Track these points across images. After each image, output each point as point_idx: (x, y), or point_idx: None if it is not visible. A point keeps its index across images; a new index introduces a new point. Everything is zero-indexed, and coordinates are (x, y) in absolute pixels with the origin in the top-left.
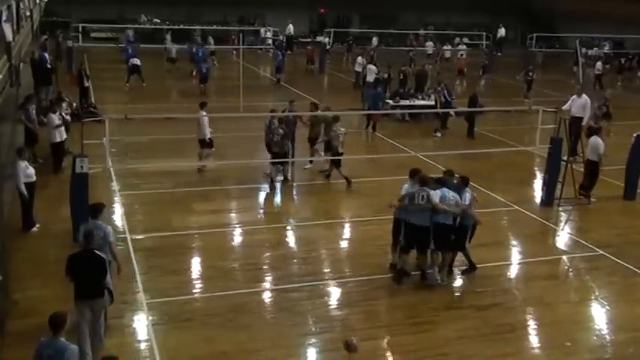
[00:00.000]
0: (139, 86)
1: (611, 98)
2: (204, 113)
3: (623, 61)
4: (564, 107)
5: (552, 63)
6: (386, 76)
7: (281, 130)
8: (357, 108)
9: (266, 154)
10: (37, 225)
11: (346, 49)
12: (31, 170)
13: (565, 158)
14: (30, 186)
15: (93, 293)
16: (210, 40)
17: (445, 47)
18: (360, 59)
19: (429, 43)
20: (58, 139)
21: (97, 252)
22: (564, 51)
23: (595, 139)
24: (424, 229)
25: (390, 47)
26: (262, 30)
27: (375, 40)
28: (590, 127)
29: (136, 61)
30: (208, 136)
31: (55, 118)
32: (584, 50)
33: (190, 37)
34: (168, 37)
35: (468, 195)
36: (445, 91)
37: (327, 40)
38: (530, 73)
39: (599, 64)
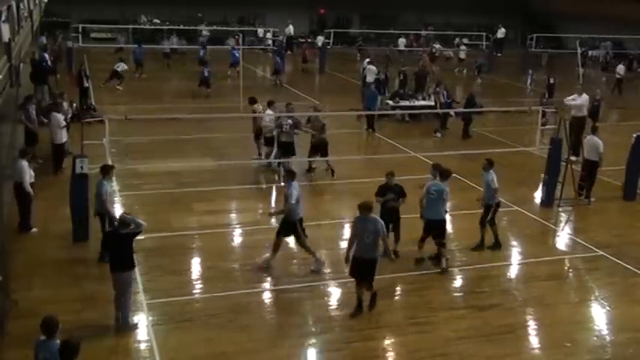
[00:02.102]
0: (139, 86)
1: (602, 99)
2: (271, 112)
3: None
4: (566, 100)
5: (552, 63)
6: (383, 77)
7: (290, 121)
8: (358, 109)
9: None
10: (34, 229)
11: (357, 49)
12: (31, 172)
13: (566, 158)
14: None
15: (116, 267)
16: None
17: (441, 47)
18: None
19: (437, 46)
20: (65, 140)
21: (121, 232)
22: (565, 52)
23: (592, 139)
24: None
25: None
26: (260, 30)
27: (401, 42)
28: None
29: (117, 67)
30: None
31: (62, 118)
32: (586, 51)
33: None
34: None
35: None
36: (445, 92)
37: (322, 39)
38: (552, 80)
39: (620, 68)
